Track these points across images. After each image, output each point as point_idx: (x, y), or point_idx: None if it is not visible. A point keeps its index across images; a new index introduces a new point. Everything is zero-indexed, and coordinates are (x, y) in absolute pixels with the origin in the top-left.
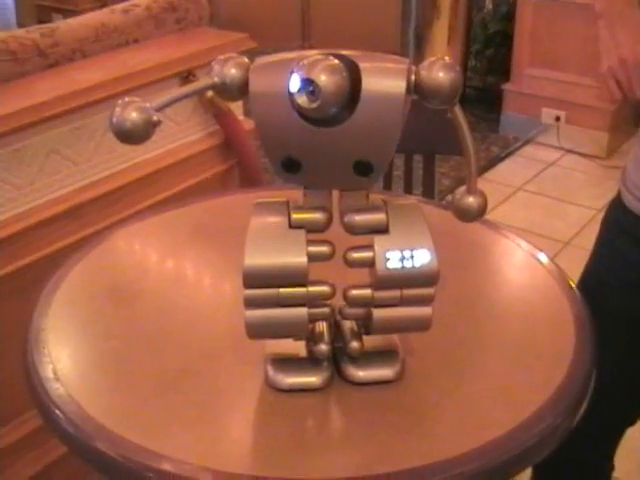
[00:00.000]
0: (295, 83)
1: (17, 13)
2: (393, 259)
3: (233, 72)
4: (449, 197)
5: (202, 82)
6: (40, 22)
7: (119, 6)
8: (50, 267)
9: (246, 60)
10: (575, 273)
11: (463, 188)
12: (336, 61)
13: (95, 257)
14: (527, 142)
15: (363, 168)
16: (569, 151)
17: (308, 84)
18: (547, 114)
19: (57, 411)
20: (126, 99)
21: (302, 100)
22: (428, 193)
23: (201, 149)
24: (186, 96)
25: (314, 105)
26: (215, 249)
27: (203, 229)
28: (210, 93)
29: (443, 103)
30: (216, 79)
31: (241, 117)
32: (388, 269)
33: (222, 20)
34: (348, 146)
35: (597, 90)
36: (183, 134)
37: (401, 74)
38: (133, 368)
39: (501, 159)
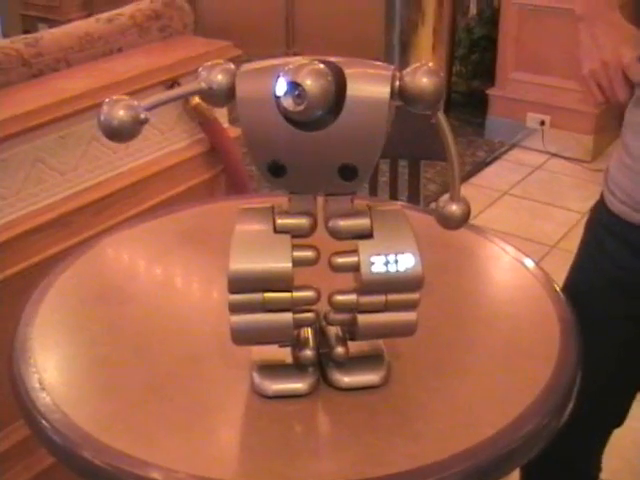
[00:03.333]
0: (281, 87)
1: (2, 23)
2: (378, 263)
3: (220, 78)
4: (433, 205)
5: (190, 86)
6: (25, 32)
7: (103, 15)
8: (38, 276)
9: (232, 66)
10: (561, 276)
11: (447, 196)
12: (321, 65)
13: (82, 265)
14: (512, 146)
15: (348, 172)
16: (554, 155)
17: (294, 87)
18: (532, 118)
19: (43, 421)
20: (114, 97)
21: (288, 103)
22: (414, 199)
23: (187, 157)
24: (174, 99)
25: (300, 108)
26: (202, 255)
27: (190, 236)
28: (195, 100)
29: (427, 108)
30: (203, 84)
31: (226, 125)
32: (373, 273)
33: (206, 28)
34: (333, 150)
35: (581, 94)
36: (168, 142)
37: (385, 80)
38: (120, 375)
39: (487, 163)
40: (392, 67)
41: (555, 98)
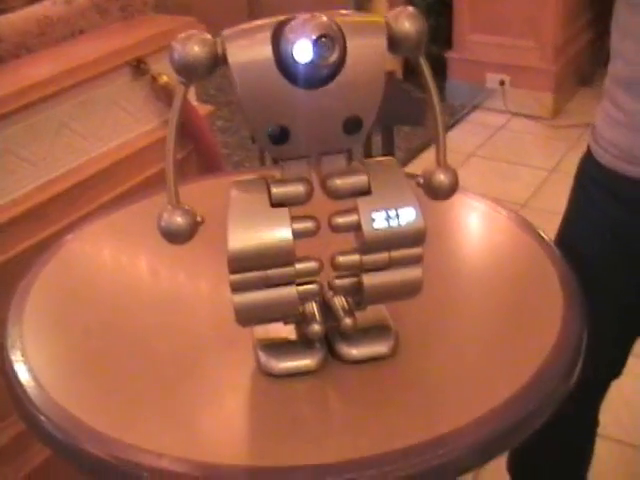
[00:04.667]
0: (306, 48)
1: None
2: (379, 219)
3: (197, 50)
4: (419, 179)
5: (178, 98)
6: None
7: None
8: (16, 270)
9: (208, 36)
10: None
11: (432, 167)
12: (324, 17)
13: (63, 257)
14: (474, 108)
15: (353, 125)
16: (516, 114)
17: (321, 41)
18: (491, 79)
19: (42, 417)
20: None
21: (320, 59)
22: None
23: (157, 138)
24: (178, 125)
25: (334, 57)
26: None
27: None
28: (163, 79)
29: (410, 52)
30: (184, 75)
31: (195, 103)
32: (375, 230)
33: (167, 6)
34: (338, 104)
35: (539, 51)
36: (138, 124)
37: (380, 27)
38: (119, 367)
39: (450, 127)
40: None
41: (513, 58)
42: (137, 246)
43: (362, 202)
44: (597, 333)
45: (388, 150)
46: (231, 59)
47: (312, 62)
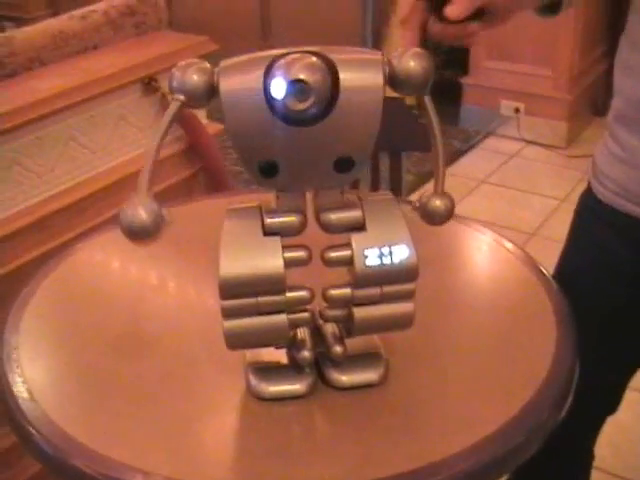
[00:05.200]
0: (280, 87)
1: None
2: (371, 256)
3: (195, 79)
4: (416, 202)
5: (170, 110)
6: None
7: (77, 12)
8: (17, 281)
9: (207, 65)
10: (543, 263)
11: (429, 190)
12: (314, 58)
13: (64, 269)
14: (488, 134)
15: (344, 165)
16: (530, 142)
17: (295, 85)
18: (506, 106)
19: (34, 431)
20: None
21: (291, 103)
22: (395, 190)
23: (165, 155)
24: (165, 134)
25: (306, 105)
26: (186, 256)
27: (173, 237)
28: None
29: (414, 92)
30: (182, 97)
31: (205, 121)
32: (367, 267)
33: (181, 23)
34: (329, 144)
35: (554, 80)
36: (147, 140)
37: (377, 65)
38: (110, 381)
39: (462, 152)
40: (379, 52)
41: (529, 85)
42: (134, 262)
43: (356, 238)
44: (592, 368)
45: (395, 176)
46: (223, 94)
47: (283, 102)
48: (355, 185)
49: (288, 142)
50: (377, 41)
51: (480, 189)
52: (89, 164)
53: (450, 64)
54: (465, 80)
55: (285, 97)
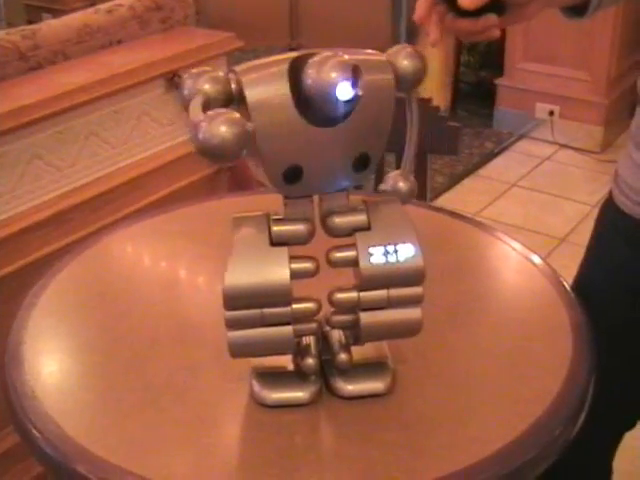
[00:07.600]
0: (346, 89)
1: (5, 12)
2: (377, 254)
3: (207, 88)
4: (381, 185)
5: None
6: (29, 22)
7: (103, 6)
8: (35, 275)
9: (220, 74)
10: (571, 270)
11: (395, 172)
12: (346, 56)
13: (78, 266)
14: (521, 137)
15: (362, 162)
16: (563, 146)
17: (354, 81)
18: (541, 109)
19: (35, 431)
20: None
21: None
22: (420, 191)
23: (188, 151)
24: None
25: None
26: (204, 256)
27: (192, 235)
28: None
29: (404, 89)
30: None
31: None
32: (372, 265)
33: (208, 19)
34: (350, 142)
35: (591, 84)
36: (169, 136)
37: (386, 65)
38: (115, 385)
39: (495, 155)
40: (382, 54)
41: (564, 88)
42: (149, 260)
43: (360, 237)
44: (611, 383)
45: (421, 179)
46: (250, 99)
47: (350, 101)
48: (359, 187)
49: (313, 144)
50: (411, 39)
51: (511, 192)
52: (110, 159)
53: (485, 65)
54: (500, 81)
55: (353, 94)
